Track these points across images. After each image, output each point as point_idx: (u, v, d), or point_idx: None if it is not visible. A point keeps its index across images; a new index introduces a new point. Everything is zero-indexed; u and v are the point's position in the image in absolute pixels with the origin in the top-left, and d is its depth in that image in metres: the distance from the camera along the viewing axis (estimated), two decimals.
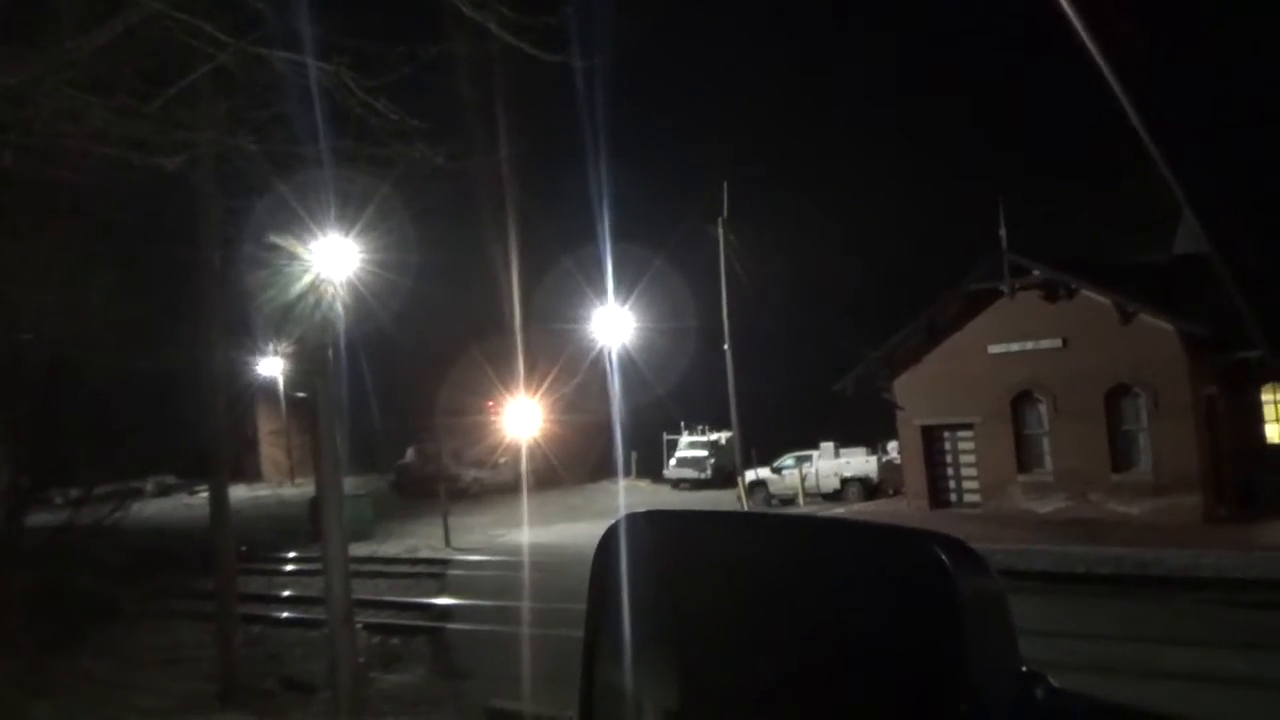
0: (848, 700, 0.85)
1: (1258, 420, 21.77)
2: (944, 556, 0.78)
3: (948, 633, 0.76)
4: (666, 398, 37.07)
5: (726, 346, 30.36)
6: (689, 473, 37.17)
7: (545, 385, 45.44)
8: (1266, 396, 21.73)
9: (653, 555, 1.05)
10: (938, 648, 0.77)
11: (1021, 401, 23.16)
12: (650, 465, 40.17)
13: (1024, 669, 0.78)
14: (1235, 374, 21.36)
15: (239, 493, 25.86)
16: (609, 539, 1.09)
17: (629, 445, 37.79)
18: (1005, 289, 22.88)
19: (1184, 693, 9.82)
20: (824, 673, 0.88)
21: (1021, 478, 23.09)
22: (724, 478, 34.23)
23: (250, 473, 46.50)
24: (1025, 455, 23.18)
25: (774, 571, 0.94)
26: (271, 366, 46.19)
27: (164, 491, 36.38)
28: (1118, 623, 12.97)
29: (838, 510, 27.50)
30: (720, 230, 29.96)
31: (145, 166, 6.42)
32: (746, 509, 28.44)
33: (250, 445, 48.20)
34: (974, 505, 24.06)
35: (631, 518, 1.10)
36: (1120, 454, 21.73)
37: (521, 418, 36.74)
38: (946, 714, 0.76)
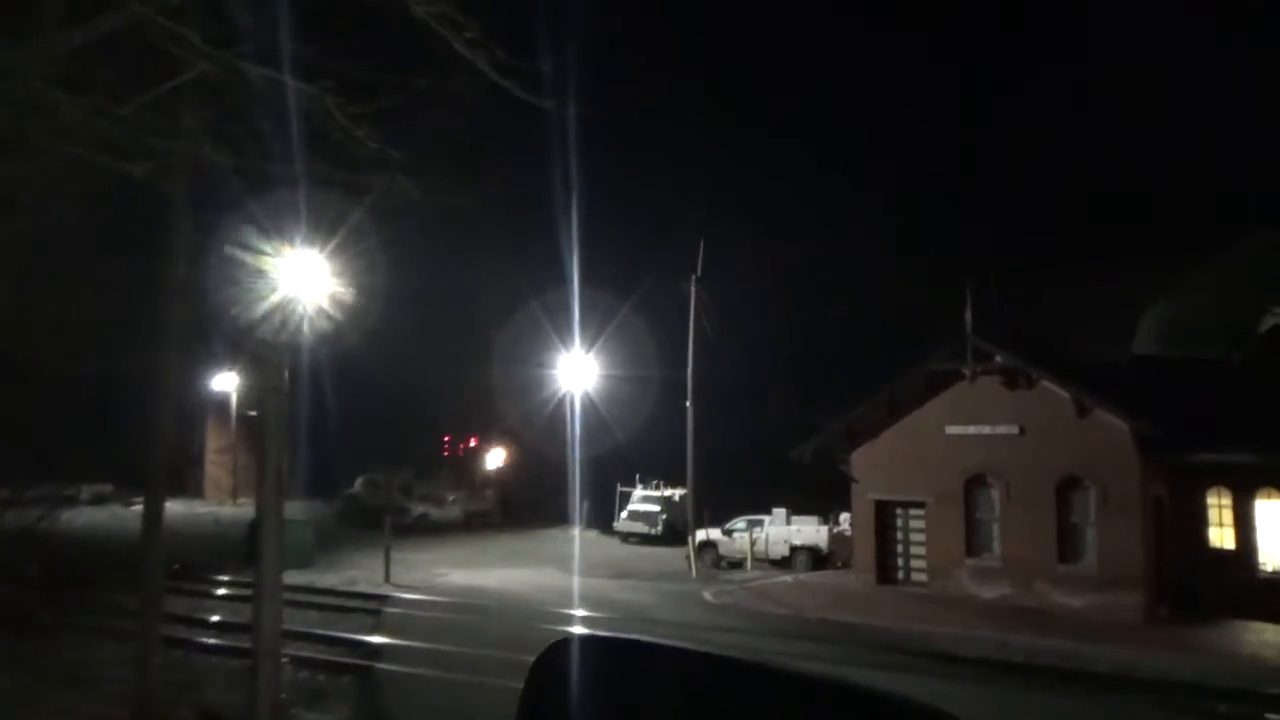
0: None
1: (1202, 523, 22.07)
2: None
3: None
4: (624, 448, 36.91)
5: (689, 404, 30.35)
6: (639, 527, 36.85)
7: (503, 428, 45.06)
8: (1211, 500, 22.06)
9: (594, 682, 0.95)
10: None
11: (974, 485, 23.30)
12: (601, 516, 39.82)
13: None
14: (1183, 476, 21.71)
15: (176, 509, 25.15)
16: (546, 661, 0.99)
17: (582, 493, 37.47)
18: (967, 372, 23.16)
19: None
20: None
21: (969, 561, 23.14)
22: (674, 535, 33.98)
23: (192, 489, 45.41)
24: (974, 539, 23.26)
25: None
26: (225, 382, 45.43)
27: (99, 500, 35.36)
28: (1051, 717, 12.92)
29: (784, 578, 27.35)
30: (693, 289, 30.12)
31: (113, 171, 6.28)
32: (695, 570, 28.20)
33: (195, 461, 47.14)
34: (921, 585, 24.04)
35: (577, 640, 1.00)
36: (1067, 546, 21.87)
37: (478, 457, 36.35)
38: None
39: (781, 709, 0.83)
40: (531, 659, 1.33)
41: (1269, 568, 21.26)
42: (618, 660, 1.00)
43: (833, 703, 0.81)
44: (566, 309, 30.84)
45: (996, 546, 22.97)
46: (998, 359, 22.83)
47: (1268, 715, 13.44)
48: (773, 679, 0.88)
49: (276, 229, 10.08)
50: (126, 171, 6.15)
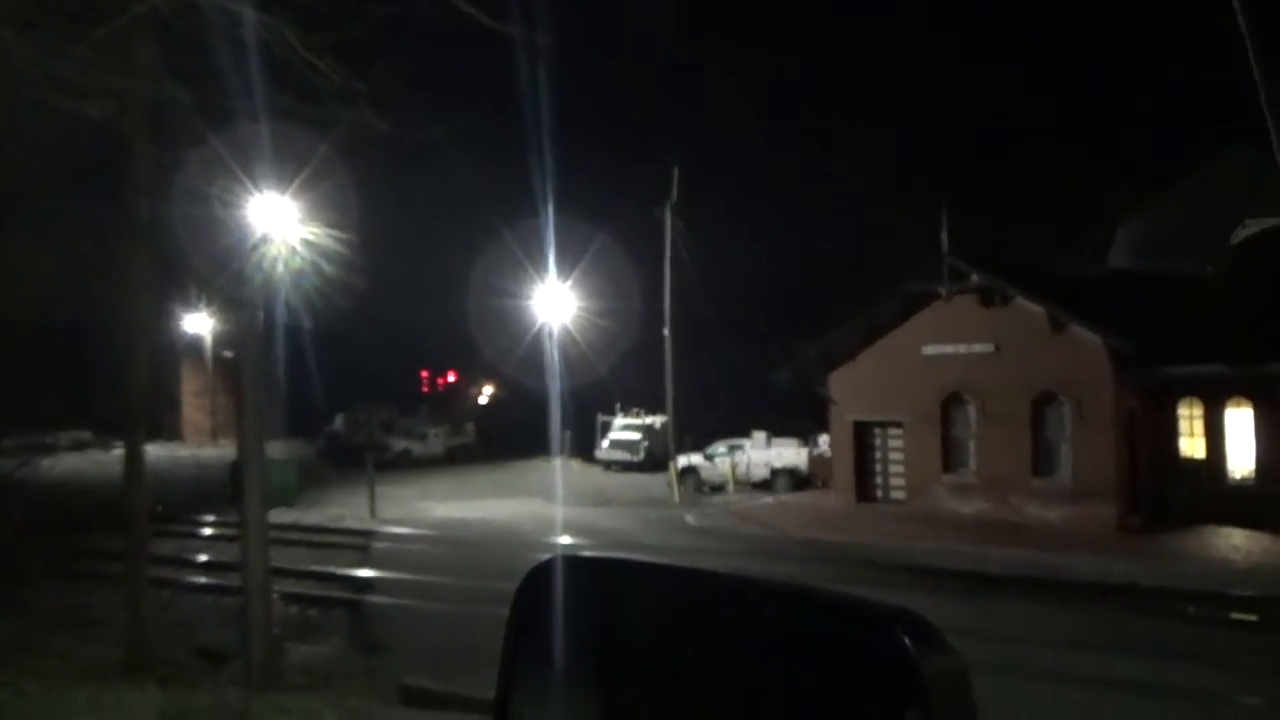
0: None
1: (1173, 434, 22.52)
2: (907, 640, 0.72)
3: (904, 718, 0.70)
4: (603, 378, 37.01)
5: (666, 331, 30.40)
6: (621, 455, 37.18)
7: (482, 361, 44.99)
8: (1183, 411, 22.47)
9: (580, 599, 0.98)
10: None
11: (951, 403, 23.60)
12: (583, 445, 40.10)
13: None
14: (1156, 388, 22.05)
15: (156, 452, 25.10)
16: (534, 578, 1.02)
17: (563, 424, 37.65)
18: (943, 292, 23.25)
19: (1086, 696, 10.13)
20: None
21: (946, 478, 23.56)
22: (655, 462, 34.32)
23: (170, 433, 45.20)
24: (951, 456, 23.65)
25: (715, 632, 0.87)
26: (199, 324, 44.95)
27: (78, 447, 35.23)
28: (1029, 625, 13.33)
29: (765, 500, 27.80)
30: (668, 215, 29.91)
31: (70, 112, 6.08)
32: (678, 495, 28.58)
33: (172, 404, 46.84)
34: (899, 502, 24.49)
35: (561, 560, 1.02)
36: (1042, 460, 22.30)
37: (458, 392, 36.34)
38: None
39: (757, 617, 0.86)
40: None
41: (1238, 475, 21.78)
42: (599, 578, 1.04)
43: (808, 609, 0.84)
44: (541, 240, 30.59)
45: (973, 463, 23.38)
46: (973, 278, 22.92)
47: (1234, 615, 13.94)
48: (748, 589, 0.92)
49: (243, 167, 9.87)
50: (84, 111, 5.96)
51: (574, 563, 1.03)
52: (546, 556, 1.06)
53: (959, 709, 0.73)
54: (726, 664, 0.85)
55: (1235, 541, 19.36)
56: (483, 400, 49.90)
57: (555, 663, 0.97)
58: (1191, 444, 22.42)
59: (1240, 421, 21.79)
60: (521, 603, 1.02)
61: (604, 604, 0.97)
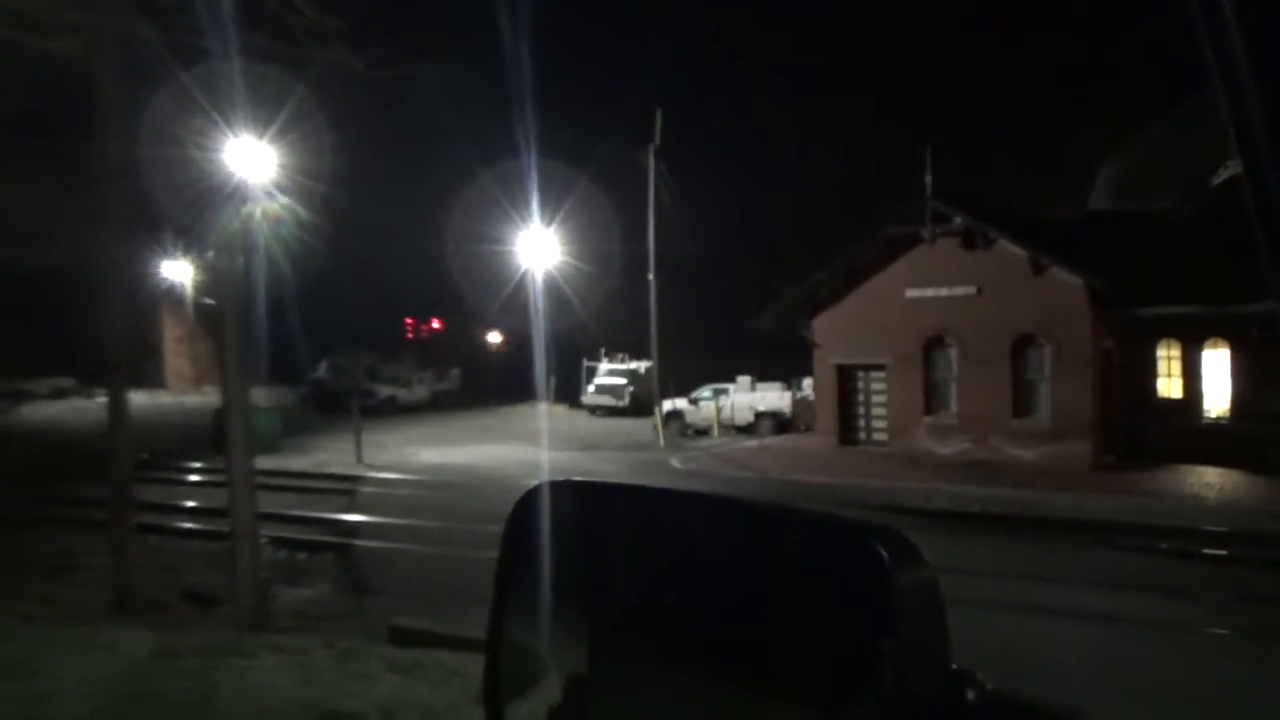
0: (767, 686, 0.84)
1: (1150, 374, 22.79)
2: (881, 550, 0.76)
3: (878, 628, 0.74)
4: (588, 323, 36.98)
5: (651, 276, 30.33)
6: (606, 400, 37.34)
7: (466, 307, 44.84)
8: (1161, 352, 22.71)
9: (570, 523, 1.02)
10: (867, 642, 0.75)
11: (933, 346, 23.77)
12: (568, 391, 40.23)
13: (954, 667, 0.77)
14: (1134, 329, 22.26)
15: (140, 400, 25.01)
16: (525, 503, 1.06)
17: (548, 370, 37.71)
18: (926, 235, 23.26)
19: (1058, 627, 10.40)
20: (743, 656, 0.86)
21: (927, 419, 23.82)
22: (641, 407, 34.49)
23: (153, 380, 44.96)
24: (933, 398, 23.89)
25: (698, 551, 0.92)
26: (178, 271, 44.49)
27: (59, 395, 35.05)
28: (1003, 560, 13.59)
29: (749, 443, 28.04)
30: (651, 158, 29.65)
31: (37, 51, 5.95)
32: (663, 440, 28.79)
33: (154, 352, 46.55)
34: (881, 444, 24.77)
35: (550, 485, 1.06)
36: (1021, 401, 22.56)
37: (442, 338, 36.25)
38: (871, 709, 0.75)
39: (739, 535, 0.91)
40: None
41: (1213, 414, 22.11)
42: (588, 501, 1.08)
43: (788, 526, 0.89)
44: (524, 184, 30.27)
45: (954, 404, 23.64)
46: (956, 220, 22.92)
47: (1204, 549, 14.25)
48: (730, 508, 0.96)
49: (217, 109, 9.70)
50: (48, 49, 5.83)
51: (563, 487, 1.07)
52: (535, 482, 1.09)
53: (929, 618, 0.77)
54: (710, 582, 0.90)
55: (1208, 479, 19.73)
56: (469, 346, 49.80)
57: (546, 585, 1.02)
58: (1169, 384, 22.70)
59: (1217, 361, 22.05)
60: (513, 528, 1.06)
61: (592, 526, 1.02)
